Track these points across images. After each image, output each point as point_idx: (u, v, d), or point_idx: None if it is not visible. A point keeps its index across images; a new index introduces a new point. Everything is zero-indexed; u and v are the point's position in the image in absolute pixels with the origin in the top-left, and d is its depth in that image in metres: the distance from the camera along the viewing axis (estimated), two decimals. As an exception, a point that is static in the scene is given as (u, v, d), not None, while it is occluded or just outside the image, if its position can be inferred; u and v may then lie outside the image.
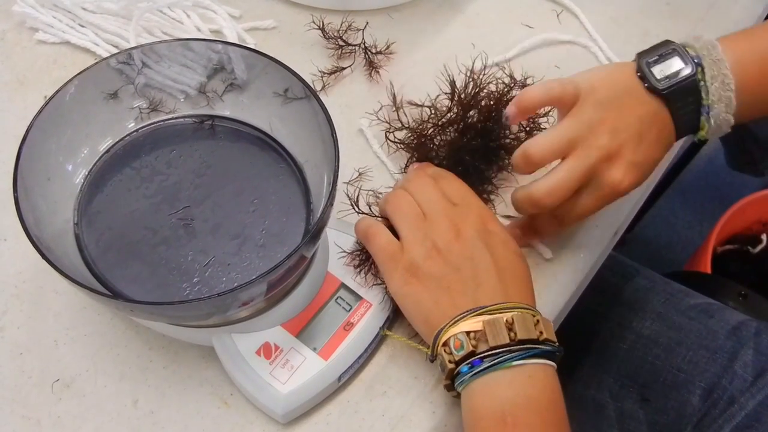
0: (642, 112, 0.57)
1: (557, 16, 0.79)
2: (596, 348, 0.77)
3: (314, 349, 0.56)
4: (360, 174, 0.66)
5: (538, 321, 0.50)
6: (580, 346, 0.77)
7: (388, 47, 0.74)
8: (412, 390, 0.57)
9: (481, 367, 0.49)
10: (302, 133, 0.61)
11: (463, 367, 0.50)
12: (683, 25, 0.78)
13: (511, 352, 0.48)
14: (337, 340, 0.56)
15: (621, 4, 0.80)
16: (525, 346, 0.49)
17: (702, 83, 0.57)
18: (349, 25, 0.75)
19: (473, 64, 0.69)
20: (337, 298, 0.58)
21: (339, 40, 0.74)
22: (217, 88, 0.67)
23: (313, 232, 0.51)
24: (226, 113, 0.66)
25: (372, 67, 0.73)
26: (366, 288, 0.58)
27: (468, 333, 0.50)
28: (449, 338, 0.50)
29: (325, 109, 0.55)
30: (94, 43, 0.75)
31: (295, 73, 0.58)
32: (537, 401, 0.49)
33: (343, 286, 0.58)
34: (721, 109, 0.57)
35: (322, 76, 0.73)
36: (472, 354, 0.49)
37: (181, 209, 0.58)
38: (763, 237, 1.31)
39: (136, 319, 0.59)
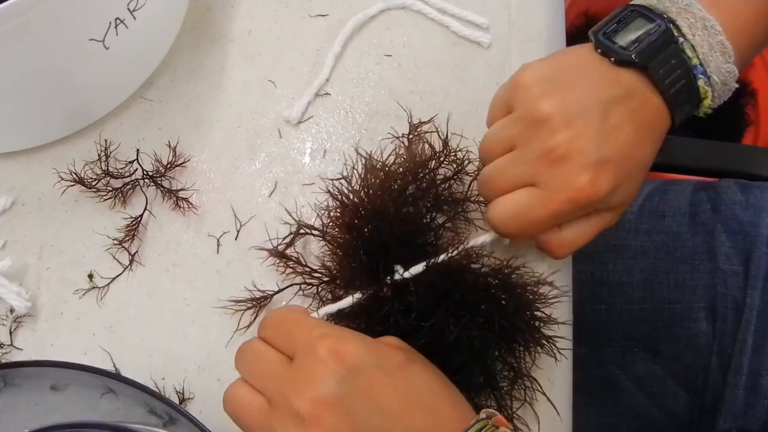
0: (606, 94, 0.43)
1: (347, -18, 0.57)
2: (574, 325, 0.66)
3: None
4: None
5: None
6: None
7: (174, 152, 0.53)
8: None
9: None
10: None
11: None
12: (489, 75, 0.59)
13: None
14: None
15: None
16: None
17: (681, 40, 0.43)
18: (106, 149, 0.53)
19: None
20: None
21: (107, 179, 0.52)
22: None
23: None
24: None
25: (172, 196, 0.52)
26: None
27: None
28: None
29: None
30: None
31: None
32: None
33: None
34: (718, 61, 0.44)
35: (121, 245, 0.51)
36: None
37: None
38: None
39: None
